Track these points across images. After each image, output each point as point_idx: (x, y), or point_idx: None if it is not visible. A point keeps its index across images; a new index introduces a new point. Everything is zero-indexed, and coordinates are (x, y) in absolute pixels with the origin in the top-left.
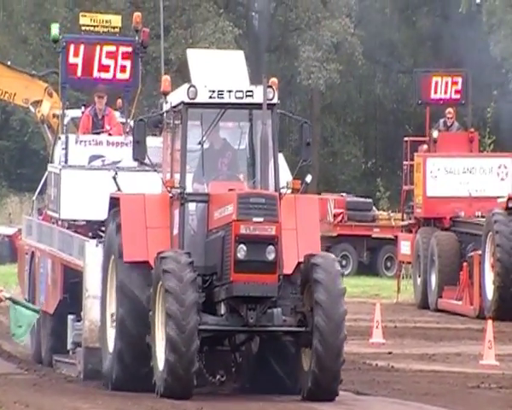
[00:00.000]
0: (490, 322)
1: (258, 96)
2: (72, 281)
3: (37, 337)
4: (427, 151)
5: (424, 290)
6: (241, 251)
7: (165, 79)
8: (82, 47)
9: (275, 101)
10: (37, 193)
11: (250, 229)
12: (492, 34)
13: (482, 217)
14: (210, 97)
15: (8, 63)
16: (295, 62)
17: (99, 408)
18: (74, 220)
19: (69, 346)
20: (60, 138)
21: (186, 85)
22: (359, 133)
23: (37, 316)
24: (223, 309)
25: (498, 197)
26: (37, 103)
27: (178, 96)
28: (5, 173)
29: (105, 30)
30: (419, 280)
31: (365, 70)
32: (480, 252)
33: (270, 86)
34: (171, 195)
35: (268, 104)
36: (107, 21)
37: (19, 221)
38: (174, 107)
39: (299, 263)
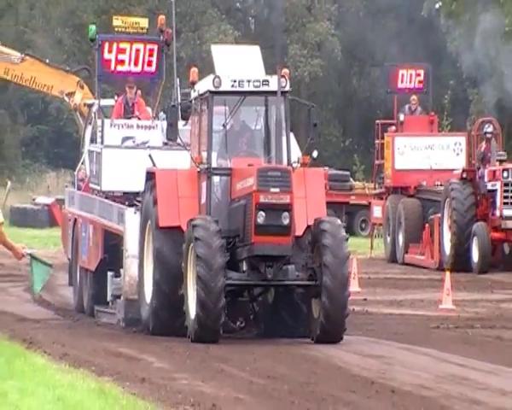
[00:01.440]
0: (448, 273)
1: (273, 85)
2: (111, 243)
3: (79, 291)
4: (395, 132)
5: (393, 247)
6: (261, 217)
7: (194, 70)
8: (115, 45)
9: (287, 89)
10: (77, 169)
11: (268, 198)
12: (449, 34)
13: (441, 186)
14: (232, 86)
15: (47, 61)
16: (285, 58)
17: (123, 347)
18: (113, 192)
19: (109, 298)
20: (90, 123)
21: (211, 76)
22: (339, 117)
23: (51, 271)
24: (244, 266)
25: (454, 169)
26: (71, 94)
27: (205, 85)
28: (44, 152)
29: (134, 30)
30: (389, 239)
31: (343, 64)
32: (439, 215)
33: (283, 76)
34: (198, 169)
35: (281, 92)
36: (136, 23)
37: (56, 192)
38: (201, 95)
39: (307, 226)
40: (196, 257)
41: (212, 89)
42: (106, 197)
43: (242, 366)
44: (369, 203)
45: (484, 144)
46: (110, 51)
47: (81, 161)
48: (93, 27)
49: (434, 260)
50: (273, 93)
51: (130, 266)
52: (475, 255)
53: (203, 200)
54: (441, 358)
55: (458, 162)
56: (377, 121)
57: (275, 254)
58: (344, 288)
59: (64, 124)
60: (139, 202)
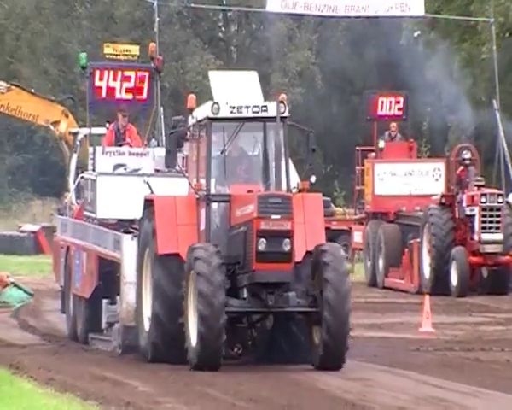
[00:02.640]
0: (427, 297)
1: (271, 110)
2: (105, 270)
3: (72, 318)
4: (375, 158)
5: (373, 272)
6: (262, 244)
7: (191, 97)
8: (106, 72)
9: (286, 114)
10: (70, 196)
11: (269, 225)
12: (427, 62)
13: (420, 211)
14: (231, 112)
15: (32, 90)
16: (266, 87)
17: (108, 372)
18: (107, 219)
19: (103, 325)
20: (75, 152)
21: (210, 103)
22: (319, 144)
23: (31, 299)
24: (245, 293)
25: (433, 195)
26: (56, 123)
27: (203, 111)
28: (30, 181)
29: (125, 58)
30: (369, 263)
31: (324, 92)
32: (418, 240)
33: (282, 101)
34: (197, 196)
35: (280, 117)
36: (127, 50)
37: (42, 220)
38: (199, 121)
39: (307, 252)
40: (197, 275)
41: (211, 115)
42: (100, 225)
43: (226, 390)
44: (350, 229)
45: (462, 170)
46: (101, 79)
47: (73, 188)
48: (84, 55)
49: (414, 284)
50: (272, 119)
51: (128, 293)
52: (454, 279)
53: (202, 227)
54: (421, 380)
55: (437, 188)
56: (357, 148)
57: (276, 281)
58: (344, 324)
59: (49, 152)
60: (135, 228)
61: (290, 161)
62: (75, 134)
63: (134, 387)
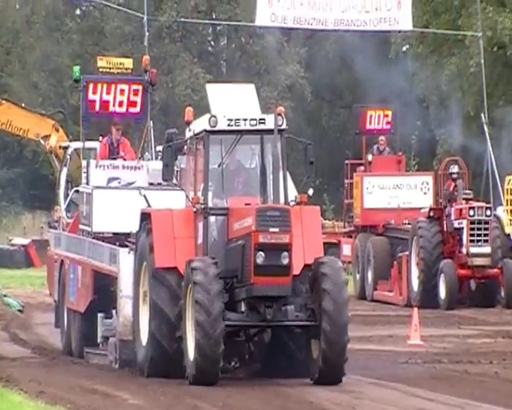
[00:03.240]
0: (416, 309)
1: (269, 123)
2: (100, 284)
3: (66, 333)
4: (363, 171)
5: (362, 284)
6: (260, 257)
7: (189, 110)
8: (99, 86)
9: (284, 127)
10: (60, 209)
11: (267, 238)
12: (416, 75)
13: (409, 224)
14: (228, 125)
15: (23, 105)
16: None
17: (98, 384)
18: (103, 233)
19: (99, 339)
20: (65, 165)
21: (207, 115)
22: None
23: (18, 311)
24: (243, 307)
25: (422, 208)
26: (46, 137)
27: (201, 124)
28: (20, 194)
29: (119, 71)
30: (358, 276)
31: (313, 106)
32: (407, 253)
33: (280, 114)
34: (195, 209)
35: (278, 130)
36: (120, 63)
37: (32, 233)
38: (197, 134)
39: (305, 265)
40: (195, 302)
41: (209, 128)
42: (95, 238)
43: (215, 402)
44: (339, 242)
45: (450, 183)
46: (95, 92)
47: (63, 202)
48: (77, 68)
49: (403, 297)
50: (270, 131)
51: (125, 307)
52: (443, 292)
53: (200, 240)
54: (409, 392)
55: (425, 201)
56: (346, 161)
57: (274, 295)
58: (343, 334)
59: (40, 166)
60: (131, 242)
61: (288, 173)
62: (65, 148)
63: (124, 399)
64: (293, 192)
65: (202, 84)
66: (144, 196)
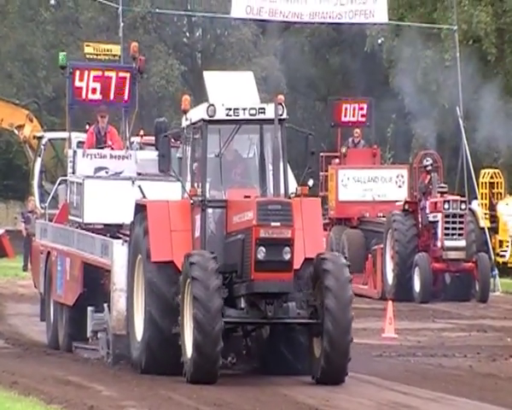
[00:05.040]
0: (390, 303)
1: (269, 112)
2: (90, 277)
3: (53, 326)
4: (338, 164)
5: None
6: (261, 252)
7: (186, 98)
8: (86, 72)
9: (284, 116)
10: (49, 200)
11: (269, 233)
12: (391, 68)
13: (383, 217)
14: (227, 115)
15: None
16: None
17: (72, 375)
18: (93, 224)
19: (89, 334)
20: (40, 156)
21: (205, 104)
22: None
23: None
24: (243, 303)
25: (396, 201)
26: (20, 127)
27: (198, 113)
28: None
29: (106, 58)
30: None
31: (288, 98)
32: (381, 246)
33: (280, 103)
34: (192, 201)
35: (279, 119)
36: (108, 50)
37: (5, 224)
38: (194, 123)
39: (305, 259)
40: (193, 298)
41: (207, 118)
42: (84, 229)
43: (189, 394)
44: None
45: (425, 177)
46: (81, 79)
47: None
48: (63, 54)
49: (377, 290)
50: (270, 121)
51: (118, 301)
52: (417, 285)
53: (197, 233)
54: (384, 386)
55: (400, 194)
56: (321, 154)
57: (276, 292)
58: (346, 333)
59: (13, 156)
60: (124, 234)
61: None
62: (39, 138)
63: (98, 391)
64: (293, 184)
65: (177, 75)
66: (139, 187)
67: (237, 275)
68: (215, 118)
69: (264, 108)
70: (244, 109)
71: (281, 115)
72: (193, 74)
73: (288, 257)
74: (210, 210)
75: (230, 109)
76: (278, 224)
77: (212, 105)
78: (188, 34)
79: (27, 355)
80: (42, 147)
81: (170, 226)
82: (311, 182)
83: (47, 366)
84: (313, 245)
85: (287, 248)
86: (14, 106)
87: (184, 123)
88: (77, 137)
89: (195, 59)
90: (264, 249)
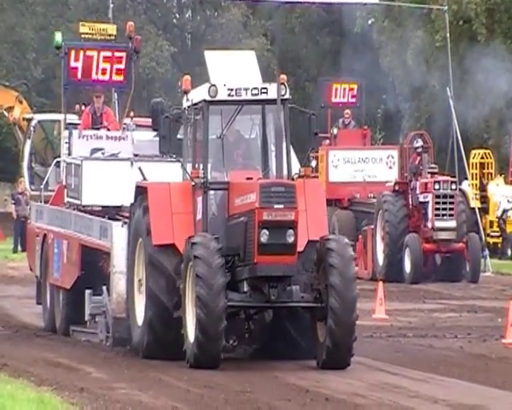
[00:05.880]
0: (381, 283)
1: (272, 93)
2: (88, 259)
3: (49, 310)
4: (329, 145)
5: None
6: (264, 235)
7: (186, 78)
8: (82, 53)
9: (287, 96)
10: (44, 182)
11: (272, 215)
12: (381, 49)
13: (374, 198)
14: (229, 95)
15: None
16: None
17: (62, 358)
18: (91, 206)
19: (86, 317)
20: (29, 137)
21: (207, 85)
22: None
23: None
24: (245, 287)
25: (387, 182)
26: (10, 109)
27: (200, 94)
28: None
29: (102, 37)
30: None
31: None
32: (372, 226)
33: (283, 83)
34: (193, 183)
35: (281, 100)
36: (103, 30)
37: None
38: (195, 104)
39: (309, 241)
40: (196, 276)
41: (208, 98)
42: (82, 211)
43: (179, 376)
44: None
45: (416, 157)
46: (77, 59)
47: (47, 177)
48: (59, 34)
49: (368, 271)
50: (272, 101)
51: (118, 283)
52: (408, 266)
53: (199, 216)
54: (374, 366)
55: (391, 175)
56: None
57: (279, 275)
58: (351, 311)
59: (3, 138)
60: (123, 216)
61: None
62: (29, 120)
63: (88, 373)
64: (295, 165)
65: (166, 56)
66: (139, 169)
67: (240, 258)
68: (217, 98)
69: (266, 88)
70: (246, 89)
71: (283, 95)
72: (182, 56)
73: (291, 240)
74: (212, 192)
75: (232, 90)
76: (281, 206)
77: (214, 85)
78: (177, 15)
79: (17, 338)
80: (31, 129)
81: (171, 209)
82: (314, 163)
83: (37, 348)
84: (317, 227)
85: (290, 231)
86: (3, 88)
87: (185, 104)
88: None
89: (185, 40)
90: (267, 232)
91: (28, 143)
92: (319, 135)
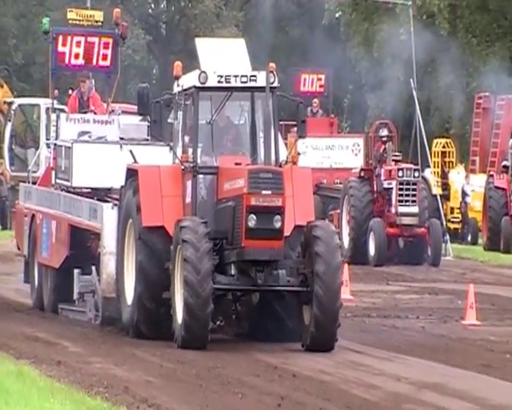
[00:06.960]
0: (346, 266)
1: (261, 80)
2: (76, 239)
3: (37, 288)
4: (297, 133)
5: None
6: (252, 220)
7: (177, 64)
8: (69, 38)
9: (275, 84)
10: (32, 163)
11: (259, 201)
12: (348, 41)
13: (340, 184)
14: (218, 82)
15: None
16: (194, 63)
17: (40, 332)
18: (81, 188)
19: (75, 296)
20: (10, 121)
21: (197, 71)
22: None
23: None
24: (233, 270)
25: (353, 169)
26: None
27: (190, 80)
28: None
29: (89, 23)
30: None
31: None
32: (338, 211)
33: (272, 71)
34: (183, 167)
35: (270, 87)
36: (90, 16)
37: None
38: (185, 90)
39: (295, 226)
40: (183, 260)
41: (198, 84)
42: (71, 193)
43: (153, 351)
44: None
45: (380, 145)
46: (64, 44)
47: (35, 156)
48: (47, 20)
49: None
50: (261, 89)
51: (108, 264)
52: (372, 249)
53: (188, 199)
54: (340, 345)
55: (356, 162)
56: (281, 122)
57: (266, 259)
58: (336, 298)
59: None
60: (112, 198)
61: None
62: (10, 104)
63: (65, 347)
64: (283, 152)
65: (142, 44)
66: (130, 152)
67: (228, 242)
68: (207, 85)
69: (255, 76)
70: (236, 77)
71: (272, 83)
72: (157, 44)
73: (278, 225)
74: (201, 176)
75: (222, 76)
76: (269, 192)
77: (204, 72)
78: (153, 6)
79: None
80: (12, 112)
81: (161, 191)
82: (301, 149)
83: (16, 322)
84: (303, 213)
85: (277, 217)
86: None
87: (176, 89)
88: (45, 103)
89: (160, 29)
90: (254, 217)
91: (9, 125)
92: (286, 123)
